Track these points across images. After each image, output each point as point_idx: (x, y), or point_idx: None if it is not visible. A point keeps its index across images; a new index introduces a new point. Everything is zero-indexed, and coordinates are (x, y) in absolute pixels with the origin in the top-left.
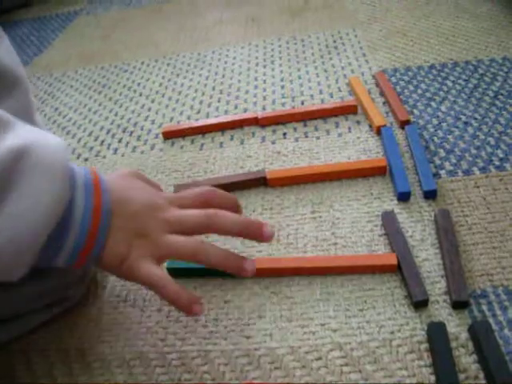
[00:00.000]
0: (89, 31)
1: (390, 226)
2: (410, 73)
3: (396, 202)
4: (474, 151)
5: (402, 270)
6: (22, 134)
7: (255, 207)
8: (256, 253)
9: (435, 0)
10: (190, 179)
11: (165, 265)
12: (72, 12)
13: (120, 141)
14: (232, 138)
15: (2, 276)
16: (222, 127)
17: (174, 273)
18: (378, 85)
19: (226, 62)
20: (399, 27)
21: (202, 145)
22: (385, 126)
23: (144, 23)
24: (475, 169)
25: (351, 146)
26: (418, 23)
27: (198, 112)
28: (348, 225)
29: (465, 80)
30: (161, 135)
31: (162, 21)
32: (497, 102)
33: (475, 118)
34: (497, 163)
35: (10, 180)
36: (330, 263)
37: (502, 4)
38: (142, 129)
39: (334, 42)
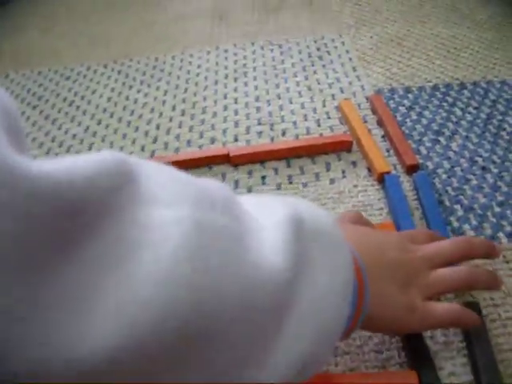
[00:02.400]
0: (25, 21)
1: None
2: (410, 95)
3: None
4: (497, 209)
5: None
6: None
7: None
8: None
9: (430, 2)
10: None
11: None
12: None
13: None
14: None
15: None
16: (184, 165)
17: None
18: (374, 111)
19: (188, 72)
20: (392, 34)
21: None
22: (389, 172)
23: (94, 13)
24: (501, 235)
25: (347, 198)
26: (413, 29)
27: (155, 141)
28: None
29: (475, 108)
30: None
31: (117, 11)
32: None
33: (494, 162)
34: None
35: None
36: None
37: (502, 10)
38: None
39: (318, 50)
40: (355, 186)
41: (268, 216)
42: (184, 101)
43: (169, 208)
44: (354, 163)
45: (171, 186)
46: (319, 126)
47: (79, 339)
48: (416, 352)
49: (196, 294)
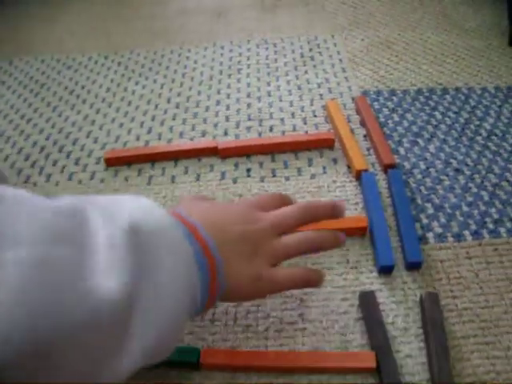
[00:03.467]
0: (30, 9)
1: (369, 313)
2: (394, 98)
3: (375, 274)
4: (465, 208)
5: (380, 372)
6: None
7: None
8: (208, 335)
9: (422, 8)
10: None
11: None
12: None
13: (55, 164)
14: (186, 171)
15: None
16: (175, 155)
17: None
18: (358, 112)
19: (185, 67)
20: (383, 37)
21: (151, 178)
22: (366, 170)
23: (95, 5)
24: (467, 233)
25: (326, 192)
26: (403, 34)
27: (149, 131)
28: (319, 303)
29: (455, 112)
30: (103, 161)
31: (118, 4)
32: (490, 145)
33: (467, 165)
34: (491, 226)
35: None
36: (298, 362)
37: (491, 20)
38: (82, 149)
39: (311, 50)
40: (334, 182)
41: (107, 231)
42: (179, 94)
43: (10, 249)
44: (334, 160)
45: (17, 224)
46: (305, 123)
47: None
48: (375, 335)
49: (33, 332)
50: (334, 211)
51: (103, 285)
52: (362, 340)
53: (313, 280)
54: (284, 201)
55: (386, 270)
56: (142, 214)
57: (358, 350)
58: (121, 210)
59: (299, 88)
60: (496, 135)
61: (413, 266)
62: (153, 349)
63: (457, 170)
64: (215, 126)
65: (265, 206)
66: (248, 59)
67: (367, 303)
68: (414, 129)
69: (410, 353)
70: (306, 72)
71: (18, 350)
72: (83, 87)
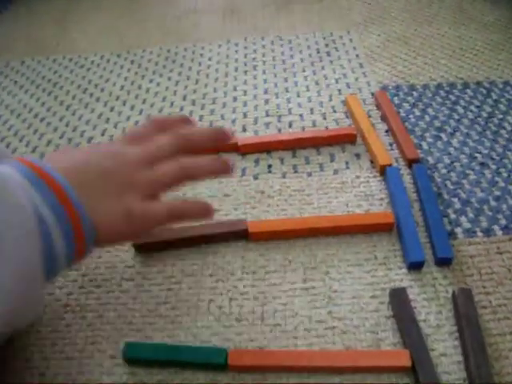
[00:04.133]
0: (42, 9)
1: (401, 310)
2: (414, 93)
3: (405, 270)
4: (493, 203)
5: (416, 371)
6: None
7: (234, 269)
8: (235, 336)
9: (437, 2)
10: None
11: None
12: None
13: None
14: None
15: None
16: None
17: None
18: (378, 106)
19: (200, 64)
20: (400, 33)
21: None
22: (390, 165)
23: (106, 5)
24: (496, 228)
25: (350, 187)
26: (420, 29)
27: None
28: (348, 301)
29: (477, 106)
30: None
31: (129, 3)
32: None
33: (492, 158)
34: None
35: None
36: (329, 361)
37: (509, 13)
38: None
39: (327, 45)
40: (358, 177)
41: None
42: (195, 91)
43: None
44: (357, 155)
45: None
46: (325, 119)
47: None
48: (409, 333)
49: None
50: (213, 138)
51: None
52: (394, 338)
53: (193, 210)
54: (162, 126)
55: (415, 266)
56: None
57: (392, 349)
58: None
59: (317, 83)
60: None
61: (443, 262)
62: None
63: (482, 164)
64: (233, 122)
65: (139, 138)
66: (263, 56)
67: (398, 300)
68: (436, 123)
69: (444, 351)
70: (322, 68)
71: None
72: (96, 86)
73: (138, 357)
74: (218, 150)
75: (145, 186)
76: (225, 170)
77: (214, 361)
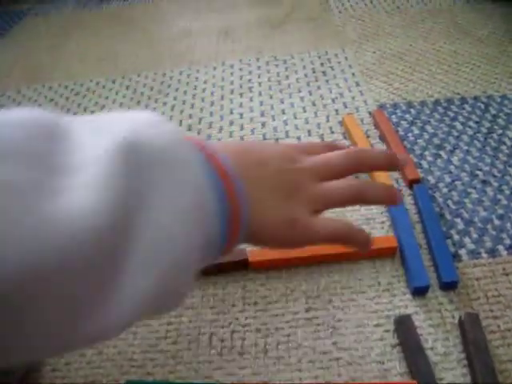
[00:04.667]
0: (37, 37)
1: (407, 339)
2: (412, 110)
3: (409, 296)
4: (497, 222)
5: None
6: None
7: (234, 300)
8: (238, 370)
9: (431, 18)
10: None
11: None
12: (18, 11)
13: None
14: None
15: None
16: None
17: None
18: (376, 126)
19: (195, 87)
20: (394, 49)
21: None
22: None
23: (102, 30)
24: (501, 247)
25: (350, 211)
26: (414, 45)
27: None
28: (352, 330)
29: (476, 122)
30: None
31: (123, 28)
32: None
33: (494, 176)
34: None
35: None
36: None
37: (503, 26)
38: None
39: (322, 65)
40: None
41: (95, 147)
42: (191, 116)
43: None
44: (356, 177)
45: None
46: (323, 140)
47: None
48: (416, 362)
49: None
50: (388, 162)
51: (82, 206)
52: (401, 368)
53: (356, 239)
54: (333, 148)
55: (420, 292)
56: (143, 127)
57: (399, 380)
58: (115, 122)
59: (314, 104)
60: None
61: (448, 286)
62: (153, 297)
63: (484, 182)
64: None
65: (309, 151)
66: (259, 77)
67: (404, 328)
68: (436, 141)
69: (453, 380)
70: (319, 87)
71: None
72: (92, 112)
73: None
74: None
75: (314, 198)
76: (394, 201)
77: None
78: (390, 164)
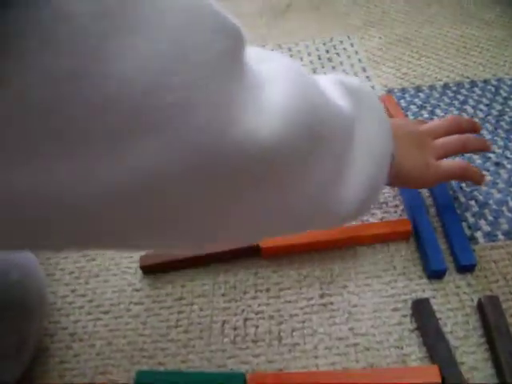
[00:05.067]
0: None
1: (426, 323)
2: (421, 94)
3: (426, 279)
4: None
5: None
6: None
7: (246, 288)
8: (252, 358)
9: (437, 3)
10: None
11: None
12: None
13: None
14: None
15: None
16: None
17: None
18: (385, 110)
19: None
20: (401, 34)
21: None
22: None
23: None
24: None
25: None
26: (421, 30)
27: None
28: (369, 315)
29: (487, 105)
30: None
31: None
32: None
33: (507, 158)
34: None
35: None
36: (353, 381)
37: (510, 9)
38: None
39: (327, 51)
40: None
41: (325, 81)
42: None
43: (271, 62)
44: None
45: (262, 51)
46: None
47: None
48: (436, 347)
49: (312, 112)
50: (472, 126)
51: (341, 105)
52: (420, 353)
53: (473, 173)
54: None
55: (437, 275)
56: (345, 78)
57: (419, 365)
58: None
59: None
60: None
61: (466, 269)
62: (365, 188)
63: (497, 164)
64: None
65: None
66: None
67: (422, 312)
68: None
69: (474, 364)
70: (325, 74)
71: (298, 125)
72: None
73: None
74: None
75: (436, 149)
76: (487, 147)
77: None
78: (474, 129)
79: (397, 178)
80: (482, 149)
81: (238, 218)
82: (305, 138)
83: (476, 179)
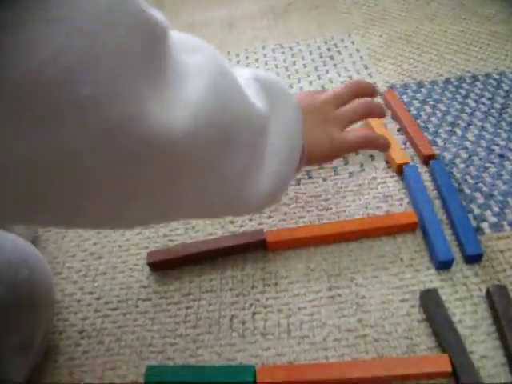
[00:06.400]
0: None
1: (434, 313)
2: (423, 89)
3: (433, 270)
4: None
5: (457, 376)
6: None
7: (254, 282)
8: (261, 351)
9: (436, 0)
10: (165, 239)
11: None
12: None
13: None
14: None
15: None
16: None
17: None
18: (388, 106)
19: None
20: (401, 32)
21: None
22: (407, 163)
23: None
24: None
25: (367, 189)
26: (421, 27)
27: None
28: (377, 306)
29: (489, 98)
30: None
31: None
32: None
33: (511, 150)
34: None
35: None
36: (364, 372)
37: (510, 5)
38: None
39: (329, 50)
40: (374, 178)
41: (241, 78)
42: None
43: (196, 55)
44: (371, 156)
45: (191, 41)
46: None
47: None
48: (446, 336)
49: (224, 110)
50: (369, 88)
51: (255, 102)
52: (429, 343)
53: (379, 141)
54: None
55: (444, 266)
56: (260, 73)
57: (429, 354)
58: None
59: (323, 87)
60: None
61: (473, 259)
62: (278, 178)
63: (501, 156)
64: None
65: (319, 91)
66: (266, 64)
67: (430, 302)
68: (449, 119)
69: (485, 353)
70: (327, 72)
71: (207, 123)
72: None
73: (161, 380)
74: None
75: (340, 118)
76: (384, 113)
77: (242, 379)
78: (372, 93)
79: (308, 157)
80: (382, 114)
81: (144, 201)
82: (215, 135)
83: (380, 147)
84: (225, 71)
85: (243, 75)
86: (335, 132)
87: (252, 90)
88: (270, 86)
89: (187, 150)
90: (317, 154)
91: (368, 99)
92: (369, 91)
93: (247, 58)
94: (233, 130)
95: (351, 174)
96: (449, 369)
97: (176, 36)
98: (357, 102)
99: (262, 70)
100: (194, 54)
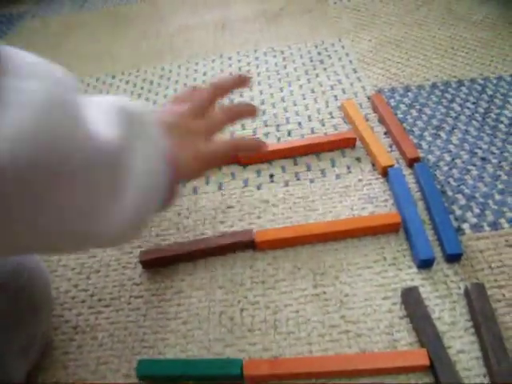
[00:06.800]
0: (35, 38)
1: (415, 310)
2: (410, 94)
3: (415, 269)
4: (498, 197)
5: (435, 370)
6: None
7: (242, 279)
8: (249, 346)
9: (425, 5)
10: (158, 238)
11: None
12: (15, 15)
13: None
14: (208, 182)
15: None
16: None
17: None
18: (375, 109)
19: (195, 79)
20: (390, 37)
21: None
22: (392, 165)
23: (100, 29)
24: (503, 221)
25: (353, 191)
26: (410, 32)
27: None
28: (360, 304)
29: (473, 103)
30: None
31: (120, 27)
32: None
33: (493, 153)
34: None
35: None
36: (346, 366)
37: (497, 11)
38: None
39: (319, 54)
40: (360, 180)
41: (98, 104)
42: None
43: (31, 81)
44: (358, 159)
45: (31, 65)
46: (323, 125)
47: None
48: (425, 332)
49: (51, 143)
50: (237, 82)
51: (105, 135)
52: (410, 338)
53: (247, 143)
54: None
55: (426, 264)
56: (124, 101)
57: (409, 349)
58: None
59: (313, 91)
60: None
61: (453, 259)
62: (136, 212)
63: (483, 159)
64: (232, 134)
65: (181, 100)
66: (257, 67)
67: (411, 300)
68: (434, 122)
69: (462, 348)
70: (317, 75)
71: (28, 159)
72: None
73: (152, 374)
74: None
75: (203, 131)
76: (252, 113)
77: (229, 372)
78: (238, 84)
79: (173, 182)
80: (253, 112)
81: None
82: (38, 168)
83: (250, 148)
84: (60, 100)
85: (102, 104)
86: (199, 144)
87: (106, 121)
88: (132, 116)
89: (11, 179)
90: (185, 172)
91: (233, 106)
92: (228, 86)
93: (239, 61)
94: (62, 165)
95: (338, 176)
96: (427, 362)
97: (15, 56)
98: (219, 111)
99: (131, 99)
100: (28, 79)
